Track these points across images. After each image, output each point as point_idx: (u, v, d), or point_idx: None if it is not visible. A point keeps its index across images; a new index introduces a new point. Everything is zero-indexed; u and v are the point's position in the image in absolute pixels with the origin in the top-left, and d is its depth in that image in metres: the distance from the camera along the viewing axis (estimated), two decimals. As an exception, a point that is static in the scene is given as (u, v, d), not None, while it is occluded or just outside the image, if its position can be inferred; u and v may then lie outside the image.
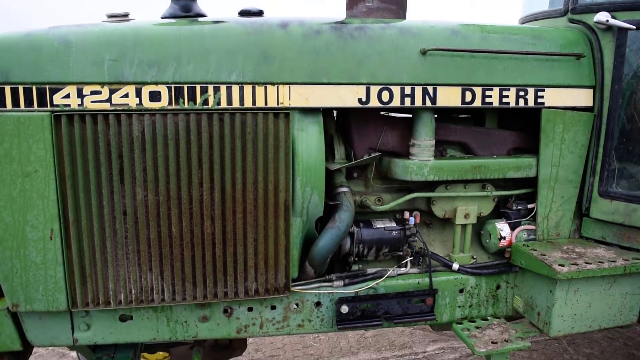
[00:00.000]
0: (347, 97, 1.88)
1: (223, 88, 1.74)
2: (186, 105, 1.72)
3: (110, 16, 1.83)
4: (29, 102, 1.64)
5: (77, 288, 1.77)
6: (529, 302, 2.20)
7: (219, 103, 1.74)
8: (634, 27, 2.10)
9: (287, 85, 1.81)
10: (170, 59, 1.71)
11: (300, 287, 2.01)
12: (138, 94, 1.69)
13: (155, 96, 1.70)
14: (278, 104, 1.80)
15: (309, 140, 1.87)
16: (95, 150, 1.69)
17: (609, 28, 2.17)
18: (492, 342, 2.05)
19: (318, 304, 2.06)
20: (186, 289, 1.85)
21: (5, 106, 1.63)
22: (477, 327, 2.18)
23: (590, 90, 2.21)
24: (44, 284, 1.75)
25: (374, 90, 1.90)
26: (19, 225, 1.70)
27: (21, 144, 1.65)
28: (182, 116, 1.71)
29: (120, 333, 1.93)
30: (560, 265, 1.99)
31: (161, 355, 2.36)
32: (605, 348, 3.66)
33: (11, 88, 1.63)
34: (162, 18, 1.90)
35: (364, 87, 1.89)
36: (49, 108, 1.65)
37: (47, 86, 1.64)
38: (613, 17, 2.15)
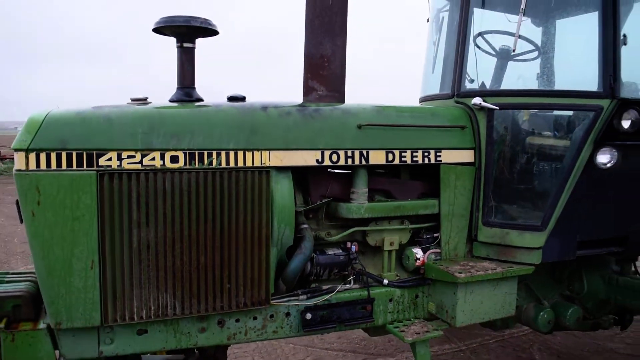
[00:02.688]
0: (308, 158, 2.62)
1: (223, 153, 2.41)
2: (197, 166, 2.36)
3: (134, 100, 2.45)
4: (80, 164, 2.20)
5: (109, 307, 2.28)
6: (440, 304, 2.99)
7: (220, 163, 2.40)
8: (497, 107, 3.07)
9: (268, 151, 2.51)
10: (186, 132, 2.35)
11: (276, 301, 2.64)
12: (162, 157, 2.31)
13: (175, 159, 2.33)
14: (261, 164, 2.50)
15: (282, 190, 2.57)
16: (129, 200, 2.26)
17: (481, 108, 3.12)
18: (416, 333, 2.80)
19: (288, 314, 2.70)
20: (192, 305, 2.42)
21: (62, 167, 2.17)
22: (404, 325, 2.92)
23: (472, 151, 3.12)
24: (83, 304, 2.25)
25: (327, 153, 2.66)
26: (67, 258, 2.21)
27: (73, 195, 2.19)
28: (194, 174, 2.35)
29: (137, 345, 2.43)
30: (459, 273, 2.81)
31: None
32: (500, 354, 4.54)
33: (67, 153, 2.18)
34: (170, 101, 2.56)
35: (320, 152, 2.64)
36: (95, 168, 2.21)
37: (94, 152, 2.22)
38: (484, 101, 3.11)
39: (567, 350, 4.62)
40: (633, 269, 3.97)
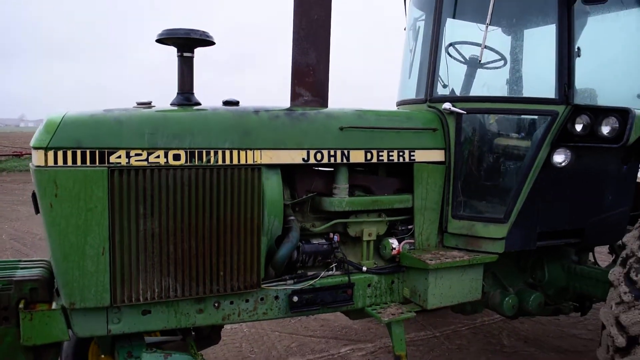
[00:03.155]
0: (295, 157, 2.92)
1: (220, 152, 2.70)
2: (196, 163, 2.65)
3: (139, 103, 2.72)
4: (93, 161, 2.46)
5: (117, 289, 2.55)
6: (413, 289, 3.32)
7: (217, 161, 2.69)
8: (465, 112, 3.41)
9: (259, 150, 2.80)
10: (187, 133, 2.63)
11: (266, 285, 2.94)
12: (166, 155, 2.58)
13: (177, 157, 2.61)
14: (253, 162, 2.79)
15: (272, 185, 2.86)
16: (136, 193, 2.53)
17: (451, 112, 3.46)
18: (392, 314, 3.12)
19: (277, 297, 2.99)
20: (191, 288, 2.70)
21: (77, 163, 2.43)
22: (381, 308, 3.23)
23: (443, 151, 3.46)
24: (95, 287, 2.51)
25: (312, 153, 2.97)
26: (81, 245, 2.47)
27: (87, 189, 2.45)
28: (194, 170, 2.63)
29: (141, 324, 2.70)
30: (430, 260, 3.14)
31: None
32: (471, 339, 4.90)
33: (81, 151, 2.44)
34: (171, 105, 2.83)
35: (306, 151, 2.95)
36: (106, 165, 2.48)
37: (106, 150, 2.48)
38: (453, 106, 3.44)
39: (533, 336, 5.00)
40: (593, 260, 4.35)
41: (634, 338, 2.79)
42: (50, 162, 2.39)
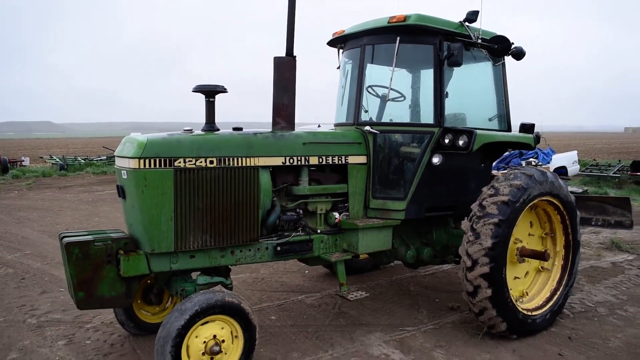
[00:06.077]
0: (277, 161, 4.78)
1: (236, 159, 4.50)
2: (222, 165, 4.44)
3: (185, 130, 4.49)
4: (165, 165, 4.19)
5: (178, 241, 4.28)
6: (349, 242, 5.27)
7: (234, 164, 4.49)
8: (378, 132, 5.43)
9: (257, 157, 4.64)
10: (218, 147, 4.42)
11: (261, 240, 4.78)
12: (205, 161, 4.37)
13: (212, 162, 4.39)
14: (254, 165, 4.62)
15: (264, 179, 4.70)
16: (189, 184, 4.29)
17: (370, 132, 5.46)
18: (337, 257, 5.07)
19: (267, 247, 4.83)
20: (218, 241, 4.47)
21: (156, 166, 4.14)
22: (330, 254, 5.17)
23: (365, 156, 5.43)
24: (165, 240, 4.22)
25: (287, 158, 4.84)
26: (158, 215, 4.15)
27: (162, 182, 4.16)
28: (222, 170, 4.42)
29: (189, 263, 4.43)
30: (359, 223, 5.12)
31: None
32: (388, 289, 6.91)
33: (158, 159, 4.13)
34: (202, 131, 4.61)
35: (283, 157, 4.81)
36: (172, 167, 4.21)
37: (172, 158, 4.22)
38: (371, 128, 5.45)
39: (431, 284, 7.12)
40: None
41: (475, 261, 4.88)
42: (142, 166, 4.12)
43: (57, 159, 26.61)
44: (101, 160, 27.71)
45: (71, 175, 23.27)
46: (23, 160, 27.78)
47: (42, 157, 32.32)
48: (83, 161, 27.02)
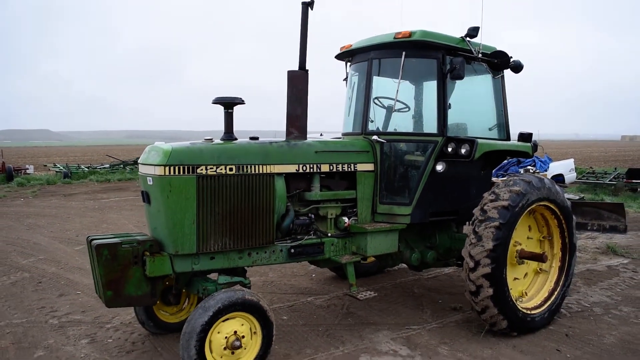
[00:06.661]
0: (291, 169, 5.09)
1: (253, 166, 4.80)
2: (241, 172, 4.74)
3: (206, 139, 4.79)
4: (188, 172, 4.48)
5: (200, 243, 4.57)
6: (358, 245, 5.57)
7: (252, 171, 4.79)
8: (385, 141, 5.74)
9: (273, 165, 4.94)
10: (237, 156, 4.73)
11: (276, 242, 5.07)
12: (226, 168, 4.67)
13: (231, 169, 4.69)
14: (270, 172, 4.92)
15: (279, 185, 5.00)
16: (210, 189, 4.58)
17: (377, 141, 5.77)
18: (347, 259, 5.37)
19: (281, 250, 5.13)
20: (236, 244, 4.75)
21: (180, 173, 4.45)
22: (340, 256, 5.47)
23: (373, 164, 5.75)
24: (189, 242, 4.50)
25: (300, 166, 5.15)
26: (182, 218, 4.46)
27: (186, 187, 4.45)
28: (241, 176, 4.71)
29: (210, 265, 4.73)
30: (368, 227, 5.42)
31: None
32: (393, 291, 7.22)
33: (182, 166, 4.44)
34: (221, 140, 4.92)
35: (297, 165, 5.12)
36: (195, 174, 4.50)
37: (195, 166, 4.52)
38: (378, 137, 5.76)
39: (434, 287, 7.41)
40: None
41: (477, 262, 5.18)
42: (167, 173, 4.41)
43: (61, 167, 26.94)
44: (105, 168, 28.00)
45: (75, 183, 23.56)
46: (27, 169, 28.07)
47: (45, 165, 32.68)
48: (87, 169, 27.31)
